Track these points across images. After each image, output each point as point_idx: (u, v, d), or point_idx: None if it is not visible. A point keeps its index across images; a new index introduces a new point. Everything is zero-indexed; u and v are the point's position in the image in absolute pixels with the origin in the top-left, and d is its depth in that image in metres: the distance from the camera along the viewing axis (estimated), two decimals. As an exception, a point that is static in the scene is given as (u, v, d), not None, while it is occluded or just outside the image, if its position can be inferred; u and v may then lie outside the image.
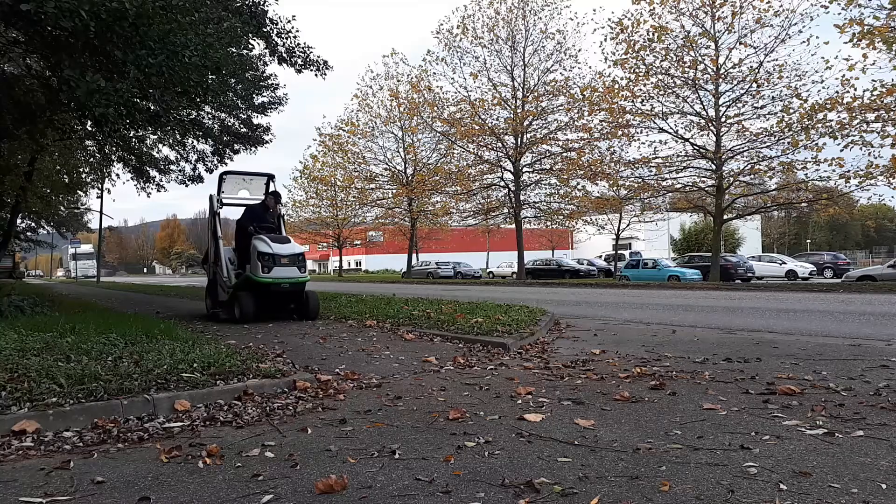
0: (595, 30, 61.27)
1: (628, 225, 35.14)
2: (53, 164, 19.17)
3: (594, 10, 51.52)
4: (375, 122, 35.44)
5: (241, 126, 15.58)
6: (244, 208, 9.45)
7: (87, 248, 61.85)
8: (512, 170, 30.04)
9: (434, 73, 30.18)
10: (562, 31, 28.10)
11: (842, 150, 18.84)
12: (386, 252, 59.78)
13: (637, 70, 22.69)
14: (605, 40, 23.28)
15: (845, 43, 16.31)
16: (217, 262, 9.20)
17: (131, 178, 18.61)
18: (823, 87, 19.94)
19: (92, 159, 20.30)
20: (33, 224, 31.37)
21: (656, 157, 24.11)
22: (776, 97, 21.28)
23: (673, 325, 8.01)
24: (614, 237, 34.85)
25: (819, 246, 73.21)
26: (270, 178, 9.92)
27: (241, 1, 10.17)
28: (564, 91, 27.69)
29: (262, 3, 10.51)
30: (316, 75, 12.04)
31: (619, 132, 24.55)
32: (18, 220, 22.76)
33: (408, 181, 35.07)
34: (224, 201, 9.49)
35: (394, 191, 36.84)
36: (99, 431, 3.04)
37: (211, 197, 9.40)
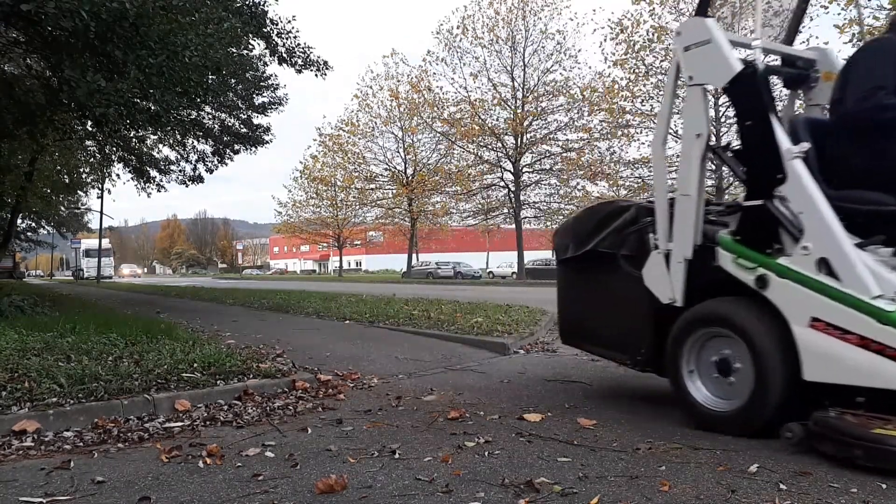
0: (595, 30, 60.97)
1: (628, 225, 35.09)
2: (54, 164, 19.15)
3: (594, 11, 51.32)
4: (375, 123, 35.41)
5: (242, 126, 15.57)
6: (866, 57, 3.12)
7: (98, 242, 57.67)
8: (512, 170, 30.03)
9: (434, 74, 30.22)
10: (562, 32, 28.08)
11: (842, 150, 18.82)
12: (386, 252, 59.67)
13: (637, 70, 22.69)
14: (605, 41, 23.25)
15: (845, 43, 16.29)
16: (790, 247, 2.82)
17: (131, 178, 18.60)
18: (823, 88, 19.94)
19: (92, 159, 20.28)
20: (33, 224, 31.35)
21: (656, 158, 24.13)
22: (775, 97, 21.30)
23: (673, 326, 7.99)
24: (614, 237, 34.82)
25: (819, 246, 73.01)
26: None
27: (241, 1, 10.15)
28: (564, 91, 27.69)
29: (262, 3, 10.50)
30: (316, 75, 12.02)
31: (619, 132, 24.56)
32: (19, 220, 22.75)
33: (408, 181, 35.04)
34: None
35: (394, 191, 36.81)
36: (99, 431, 3.04)
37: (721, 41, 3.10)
